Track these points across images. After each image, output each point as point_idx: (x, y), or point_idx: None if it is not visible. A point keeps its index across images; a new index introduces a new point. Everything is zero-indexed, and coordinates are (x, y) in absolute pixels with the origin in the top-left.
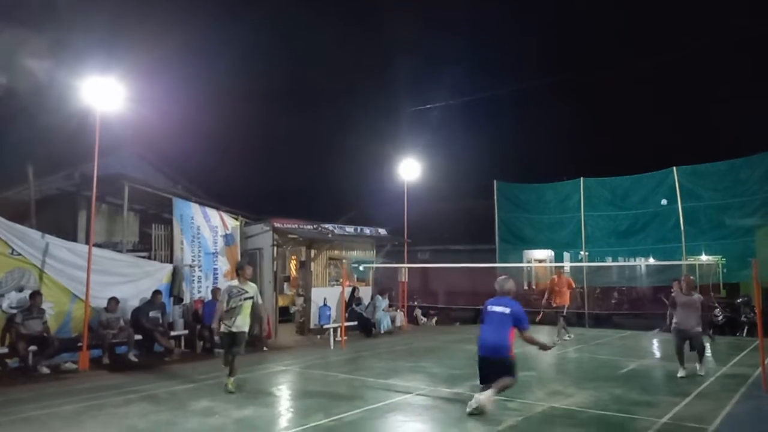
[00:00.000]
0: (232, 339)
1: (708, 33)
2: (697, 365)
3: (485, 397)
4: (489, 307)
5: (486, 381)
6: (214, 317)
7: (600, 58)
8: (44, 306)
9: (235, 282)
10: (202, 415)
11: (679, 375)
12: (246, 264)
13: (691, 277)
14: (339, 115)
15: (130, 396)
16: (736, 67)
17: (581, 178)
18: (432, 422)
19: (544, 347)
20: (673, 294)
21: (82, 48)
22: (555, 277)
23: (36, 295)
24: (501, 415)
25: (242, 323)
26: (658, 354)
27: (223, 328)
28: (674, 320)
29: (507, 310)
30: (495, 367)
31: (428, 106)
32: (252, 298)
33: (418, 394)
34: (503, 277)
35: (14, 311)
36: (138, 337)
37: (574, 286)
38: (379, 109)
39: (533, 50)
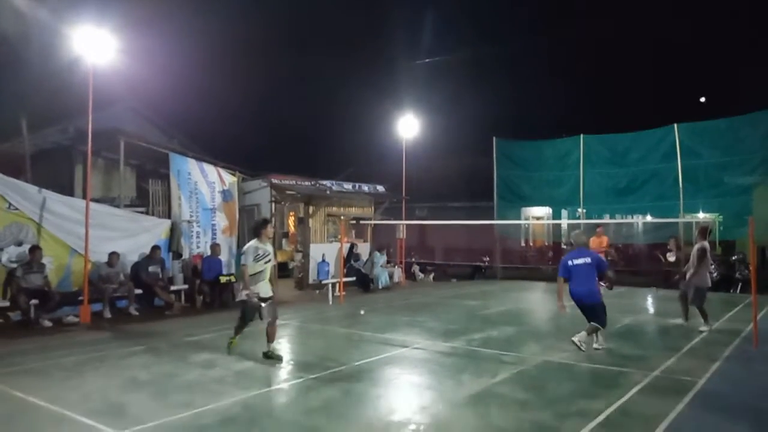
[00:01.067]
0: (257, 309)
1: None
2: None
3: (579, 337)
4: (571, 262)
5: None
6: (242, 283)
7: (600, 12)
8: (44, 260)
9: (256, 243)
10: (202, 368)
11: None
12: (267, 222)
13: (704, 225)
14: (338, 70)
15: (131, 348)
16: (739, 21)
17: (581, 135)
18: (428, 375)
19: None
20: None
21: None
22: (595, 237)
23: (35, 249)
24: (496, 368)
25: (267, 289)
26: (651, 310)
27: (247, 296)
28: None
29: (589, 260)
30: (589, 310)
31: (427, 60)
32: (271, 260)
33: (414, 348)
34: (577, 231)
35: (14, 265)
36: (138, 291)
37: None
38: (379, 65)
39: (533, 3)
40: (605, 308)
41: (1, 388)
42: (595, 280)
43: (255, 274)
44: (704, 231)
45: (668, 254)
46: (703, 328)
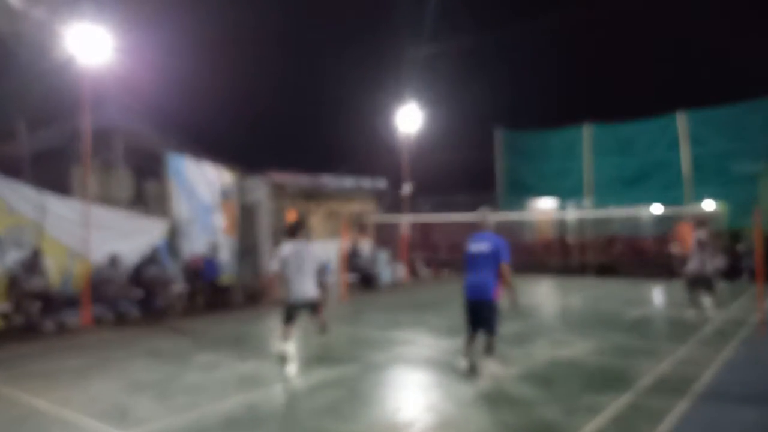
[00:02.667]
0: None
1: None
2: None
3: (465, 365)
4: (470, 247)
5: (474, 326)
6: (274, 284)
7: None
8: (45, 263)
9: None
10: (205, 369)
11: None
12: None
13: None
14: (337, 62)
15: (133, 351)
16: (746, 5)
17: (585, 125)
18: (435, 373)
19: (514, 300)
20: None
21: None
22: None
23: (37, 252)
24: (504, 365)
25: (311, 288)
26: (660, 302)
27: (292, 297)
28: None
29: (488, 248)
30: (479, 313)
31: (428, 52)
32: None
33: (420, 346)
34: (484, 209)
35: (16, 268)
36: (139, 292)
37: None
38: (379, 57)
39: None
40: (499, 313)
41: (6, 392)
42: (494, 274)
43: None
44: (702, 223)
45: (672, 245)
46: (707, 305)
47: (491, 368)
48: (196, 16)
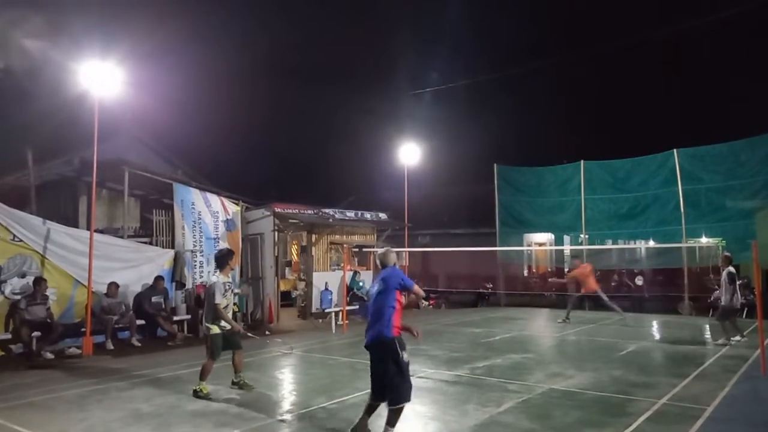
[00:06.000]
0: (225, 339)
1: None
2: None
3: None
4: (370, 290)
5: (377, 392)
6: (216, 317)
7: (599, 38)
8: (47, 292)
9: (222, 278)
10: (206, 399)
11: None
12: (232, 253)
13: (726, 254)
14: (339, 100)
15: (134, 380)
16: (737, 47)
17: (582, 161)
18: (433, 404)
19: (409, 329)
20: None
21: (81, 31)
22: (579, 265)
23: (40, 281)
24: (501, 397)
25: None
26: (657, 336)
27: (216, 330)
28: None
29: (381, 287)
30: (381, 357)
31: (428, 89)
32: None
33: (419, 377)
34: (382, 249)
35: (17, 297)
36: (141, 322)
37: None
38: (380, 94)
39: (533, 32)
40: (407, 370)
41: (1, 423)
42: (392, 316)
43: (225, 307)
44: (728, 259)
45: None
46: (721, 341)
47: None
48: (207, 52)
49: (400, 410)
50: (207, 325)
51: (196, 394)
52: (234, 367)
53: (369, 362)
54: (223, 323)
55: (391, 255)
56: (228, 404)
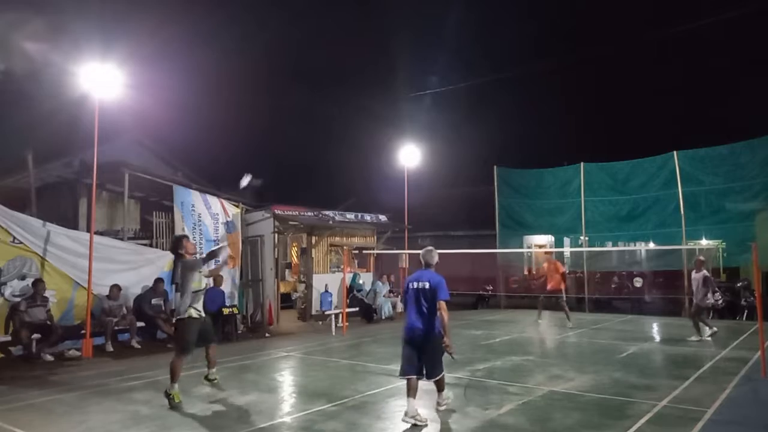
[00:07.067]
0: (204, 326)
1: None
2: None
3: (414, 415)
4: (410, 285)
5: (410, 372)
6: (183, 300)
7: (599, 40)
8: (47, 294)
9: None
10: (205, 401)
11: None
12: (184, 236)
13: (701, 258)
14: (340, 102)
15: (133, 383)
16: (738, 47)
17: (581, 163)
18: (433, 407)
19: (447, 346)
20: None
21: (81, 33)
22: (546, 263)
23: (39, 283)
24: (501, 400)
25: (201, 307)
26: (657, 338)
27: (194, 314)
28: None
29: (427, 285)
30: (425, 354)
31: (428, 91)
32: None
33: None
34: (426, 248)
35: (17, 299)
36: (140, 324)
37: (562, 270)
38: (380, 96)
39: (533, 34)
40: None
41: (1, 425)
42: (436, 313)
43: (197, 291)
44: (702, 262)
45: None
46: (694, 338)
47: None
48: (207, 55)
49: (443, 378)
50: (181, 309)
51: (169, 400)
52: (208, 362)
53: (401, 347)
54: (198, 306)
55: (434, 254)
56: (228, 407)
